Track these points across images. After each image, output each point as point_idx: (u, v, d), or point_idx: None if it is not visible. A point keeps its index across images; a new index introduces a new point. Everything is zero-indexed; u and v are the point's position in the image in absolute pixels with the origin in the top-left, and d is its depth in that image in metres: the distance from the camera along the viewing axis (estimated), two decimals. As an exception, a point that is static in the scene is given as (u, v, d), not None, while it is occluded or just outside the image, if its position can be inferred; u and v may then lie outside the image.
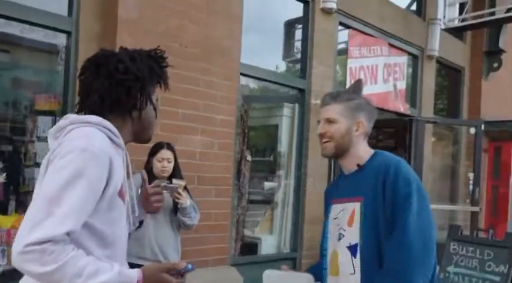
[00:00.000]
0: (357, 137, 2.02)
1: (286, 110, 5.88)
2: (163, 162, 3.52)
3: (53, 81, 4.20)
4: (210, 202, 4.48)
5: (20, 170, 4.11)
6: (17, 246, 1.31)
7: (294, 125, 5.85)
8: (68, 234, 1.35)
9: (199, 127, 4.41)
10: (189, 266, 1.57)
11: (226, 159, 4.65)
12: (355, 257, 1.92)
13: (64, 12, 3.95)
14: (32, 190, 3.98)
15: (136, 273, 1.50)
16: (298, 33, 6.03)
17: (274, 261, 5.20)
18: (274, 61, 6.03)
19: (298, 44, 6.04)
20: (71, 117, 1.56)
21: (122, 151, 1.63)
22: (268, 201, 5.88)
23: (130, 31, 3.95)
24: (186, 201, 3.47)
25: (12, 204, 3.90)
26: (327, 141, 2.03)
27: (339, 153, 2.04)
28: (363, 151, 2.05)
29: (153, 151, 3.58)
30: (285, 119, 5.86)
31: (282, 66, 6.33)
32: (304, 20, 5.90)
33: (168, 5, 4.21)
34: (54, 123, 3.91)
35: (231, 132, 4.75)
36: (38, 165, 4.04)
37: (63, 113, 3.88)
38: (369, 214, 1.91)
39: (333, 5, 5.84)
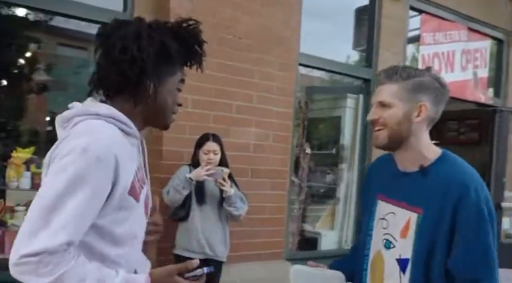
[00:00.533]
0: (418, 124, 1.66)
1: (350, 101, 5.66)
2: (209, 154, 3.51)
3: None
4: (265, 195, 4.42)
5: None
6: (13, 256, 1.23)
7: (357, 116, 5.63)
8: (68, 243, 1.25)
9: (254, 119, 4.35)
10: (205, 269, 1.44)
11: (283, 151, 4.56)
12: (403, 273, 1.69)
13: (119, 7, 4.03)
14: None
15: (143, 278, 1.36)
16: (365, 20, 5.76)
17: (334, 257, 5.00)
18: (340, 50, 5.82)
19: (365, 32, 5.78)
20: (76, 106, 1.43)
21: (136, 140, 1.49)
22: (330, 195, 5.71)
23: (183, 23, 3.95)
24: (230, 189, 3.44)
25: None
26: (379, 129, 1.69)
27: (394, 144, 1.69)
28: (426, 147, 1.70)
29: (199, 143, 3.58)
30: (349, 110, 5.65)
31: (349, 56, 6.10)
32: (371, 6, 5.61)
33: (220, -4, 4.17)
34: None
35: (288, 124, 4.64)
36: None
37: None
38: (427, 230, 1.63)
39: (403, -11, 5.53)
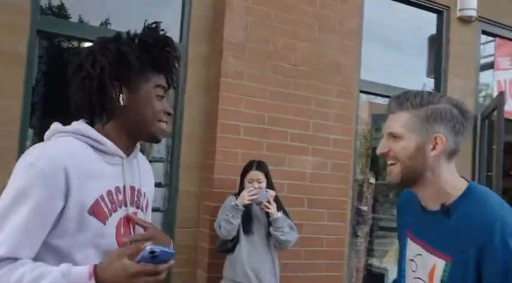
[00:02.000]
0: (434, 159, 1.45)
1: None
2: (253, 183, 3.44)
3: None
4: (322, 226, 4.25)
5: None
6: None
7: (427, 145, 5.32)
8: (7, 258, 1.23)
9: (310, 147, 4.24)
10: (153, 248, 1.23)
11: (342, 181, 4.39)
12: None
13: (176, 38, 4.16)
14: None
15: (86, 268, 1.25)
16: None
17: (402, 295, 4.72)
18: (414, 78, 5.60)
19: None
20: (53, 126, 1.46)
21: (119, 158, 1.44)
22: (398, 228, 5.39)
23: (237, 52, 3.99)
24: (276, 212, 3.35)
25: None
26: (392, 164, 1.50)
27: (409, 181, 1.50)
28: (447, 183, 1.48)
29: (244, 172, 3.54)
30: (418, 138, 5.36)
31: (426, 84, 5.83)
32: (439, 31, 5.41)
33: (275, 24, 4.17)
34: (167, 144, 4.13)
35: (347, 152, 4.48)
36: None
37: (175, 133, 4.05)
38: (457, 278, 1.42)
39: (473, 13, 5.27)
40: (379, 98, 5.43)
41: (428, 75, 5.88)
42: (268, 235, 3.45)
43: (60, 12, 4.23)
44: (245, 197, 3.35)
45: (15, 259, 1.24)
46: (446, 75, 5.30)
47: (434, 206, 1.51)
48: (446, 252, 1.45)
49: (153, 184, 1.69)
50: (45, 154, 1.30)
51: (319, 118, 4.30)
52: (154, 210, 4.17)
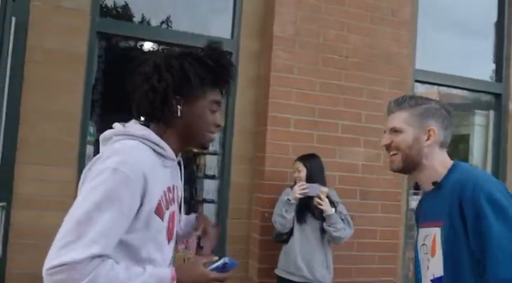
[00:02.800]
0: (428, 147, 1.76)
1: (479, 118, 5.20)
2: (294, 173, 3.61)
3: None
4: (376, 218, 4.23)
5: (192, 181, 4.54)
6: (46, 266, 1.32)
7: (488, 134, 5.15)
8: (99, 256, 1.34)
9: (362, 138, 4.22)
10: (226, 259, 1.54)
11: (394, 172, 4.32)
12: None
13: (227, 35, 4.26)
14: (202, 200, 4.35)
15: (169, 271, 1.47)
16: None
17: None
18: (481, 66, 5.40)
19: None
20: (116, 127, 1.59)
21: (171, 162, 1.60)
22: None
23: (286, 46, 4.03)
24: (329, 208, 3.39)
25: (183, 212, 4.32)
26: (394, 154, 1.81)
27: (409, 167, 1.79)
28: (439, 165, 1.77)
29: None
30: (478, 128, 5.20)
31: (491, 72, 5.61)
32: (500, 17, 5.18)
33: (325, 17, 4.16)
34: (220, 137, 4.25)
35: (402, 143, 4.40)
36: (207, 176, 4.41)
37: (227, 127, 4.16)
38: (450, 242, 1.64)
39: (538, -6, 5.01)
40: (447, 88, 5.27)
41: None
42: (322, 228, 3.48)
43: (118, 14, 4.45)
44: (296, 191, 3.42)
45: (103, 256, 1.36)
46: (509, 62, 5.08)
47: (430, 186, 1.80)
48: (440, 219, 1.69)
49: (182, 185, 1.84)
50: (128, 160, 1.42)
51: (372, 109, 4.27)
52: (208, 201, 4.35)
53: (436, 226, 1.70)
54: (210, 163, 4.33)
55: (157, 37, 4.14)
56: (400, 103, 1.81)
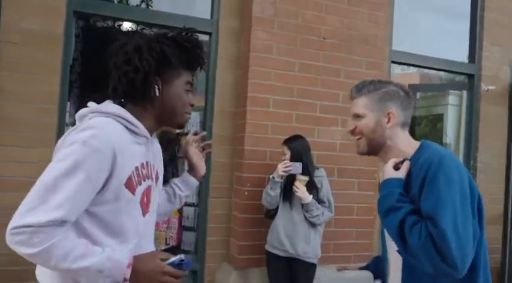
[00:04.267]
0: (391, 129, 1.83)
1: (453, 97, 5.34)
2: (282, 156, 3.66)
3: (199, 78, 4.55)
4: (352, 195, 4.34)
5: (173, 161, 4.56)
6: (10, 226, 1.39)
7: (461, 114, 5.29)
8: (60, 221, 1.40)
9: (340, 118, 4.30)
10: (182, 256, 1.56)
11: (372, 151, 4.43)
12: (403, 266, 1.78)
13: (207, 15, 4.27)
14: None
15: (127, 257, 1.50)
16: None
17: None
18: (453, 47, 5.51)
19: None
20: (91, 105, 1.64)
21: (145, 139, 1.66)
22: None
23: (266, 27, 4.06)
24: (305, 196, 3.48)
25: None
26: (359, 138, 1.88)
27: (374, 149, 1.86)
28: (404, 145, 1.83)
29: None
30: (451, 108, 5.33)
31: (452, 51, 5.73)
32: (473, -1, 5.31)
33: (303, -2, 4.21)
34: (200, 118, 4.27)
35: (378, 123, 4.50)
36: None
37: (207, 107, 4.20)
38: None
39: (510, -24, 5.11)
40: (420, 68, 5.38)
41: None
42: None
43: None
44: (279, 169, 3.51)
45: (66, 222, 1.42)
46: (482, 43, 5.20)
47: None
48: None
49: (161, 159, 1.88)
50: (98, 134, 1.48)
51: (349, 90, 4.32)
52: (189, 181, 4.37)
53: None
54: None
55: (136, 17, 4.13)
56: (360, 89, 1.87)
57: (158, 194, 1.83)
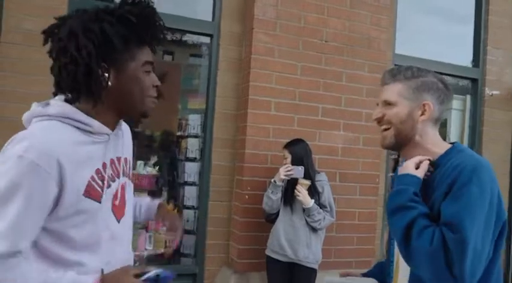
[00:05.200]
0: (422, 123, 1.64)
1: (456, 102, 5.29)
2: (284, 160, 3.62)
3: (200, 81, 4.53)
4: (354, 200, 4.30)
5: (173, 164, 4.54)
6: None
7: (465, 118, 5.25)
8: (9, 253, 1.22)
9: (342, 122, 4.27)
10: (158, 271, 1.39)
11: (374, 155, 4.40)
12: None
13: (209, 17, 4.25)
14: (184, 183, 4.34)
15: (91, 280, 1.31)
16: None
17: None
18: (459, 51, 5.48)
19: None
20: (33, 107, 1.41)
21: (105, 135, 1.43)
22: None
23: (267, 29, 4.04)
24: (307, 201, 3.45)
25: (164, 195, 4.34)
26: (386, 129, 1.67)
27: (400, 143, 1.67)
28: (432, 143, 1.66)
29: None
30: (455, 112, 5.29)
31: (455, 55, 5.69)
32: (477, 2, 5.27)
33: (305, 1, 4.17)
34: (201, 120, 4.25)
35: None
36: (188, 159, 4.41)
37: (208, 110, 4.17)
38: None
39: (514, -20, 5.09)
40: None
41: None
42: None
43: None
44: (281, 173, 3.48)
45: (17, 252, 1.23)
46: (485, 47, 5.17)
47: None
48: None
49: (132, 148, 1.66)
50: (35, 145, 1.25)
51: (351, 93, 4.31)
52: (189, 184, 4.37)
53: None
54: (191, 146, 4.34)
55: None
56: (395, 74, 1.68)
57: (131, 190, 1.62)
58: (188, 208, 4.32)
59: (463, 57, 5.36)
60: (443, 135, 5.41)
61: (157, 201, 1.88)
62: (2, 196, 1.22)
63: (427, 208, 1.52)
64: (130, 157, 1.61)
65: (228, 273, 3.99)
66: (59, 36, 1.36)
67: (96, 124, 1.38)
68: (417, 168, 1.59)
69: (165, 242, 4.15)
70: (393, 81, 1.67)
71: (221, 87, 4.17)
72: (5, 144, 1.31)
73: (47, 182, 1.25)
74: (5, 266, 1.21)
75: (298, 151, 3.58)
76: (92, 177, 1.36)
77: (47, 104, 1.40)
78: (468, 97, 5.24)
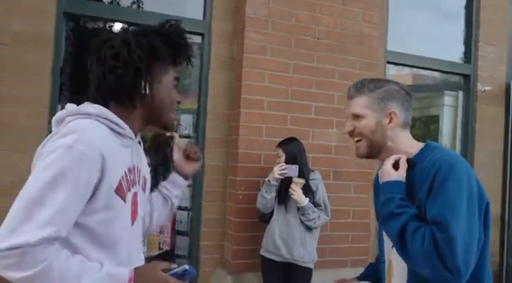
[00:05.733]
0: (391, 130, 1.74)
1: (448, 98, 5.30)
2: (277, 158, 3.59)
3: (191, 80, 4.48)
4: (348, 198, 4.28)
5: (167, 166, 4.50)
6: None
7: (457, 114, 5.25)
8: (51, 238, 1.27)
9: (335, 120, 4.25)
10: (186, 266, 1.46)
11: (367, 153, 4.37)
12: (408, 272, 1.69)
13: (199, 16, 4.21)
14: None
15: (127, 272, 1.39)
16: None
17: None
18: (450, 47, 5.47)
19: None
20: (69, 107, 1.47)
21: (130, 141, 1.54)
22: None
23: (259, 27, 4.00)
24: (301, 200, 3.42)
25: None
26: (358, 140, 1.78)
27: (374, 152, 1.77)
28: (407, 146, 1.75)
29: None
30: (447, 108, 5.29)
31: (463, 53, 5.68)
32: (469, -2, 5.27)
33: (297, -2, 4.15)
34: (193, 120, 4.21)
35: (373, 124, 4.45)
36: (180, 160, 4.36)
37: (200, 109, 4.13)
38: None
39: (505, -24, 5.08)
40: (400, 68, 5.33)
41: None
42: None
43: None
44: (275, 172, 3.45)
45: (58, 238, 1.29)
46: (477, 43, 5.17)
47: None
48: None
49: (147, 167, 1.77)
50: (83, 137, 1.33)
51: (344, 91, 4.22)
52: (182, 185, 4.31)
53: None
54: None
55: (127, 18, 4.05)
56: (360, 88, 1.77)
57: (146, 201, 1.73)
58: (181, 209, 4.28)
59: (455, 53, 5.36)
60: (436, 132, 5.43)
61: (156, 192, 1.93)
62: (51, 183, 1.28)
63: (415, 209, 1.59)
64: (144, 170, 1.70)
65: (223, 274, 3.96)
66: (111, 44, 1.49)
67: (126, 127, 1.50)
68: (396, 166, 1.68)
69: (159, 244, 4.11)
70: (359, 95, 1.77)
71: (213, 86, 4.13)
72: (47, 138, 1.39)
73: (93, 172, 1.34)
74: (48, 250, 1.26)
75: (292, 149, 3.55)
76: (122, 177, 1.45)
77: (81, 106, 1.49)
78: (460, 93, 5.24)
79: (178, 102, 1.62)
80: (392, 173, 1.66)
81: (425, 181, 1.58)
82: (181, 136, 4.36)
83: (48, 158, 1.31)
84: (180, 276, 1.45)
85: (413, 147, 1.74)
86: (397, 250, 1.60)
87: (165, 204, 1.91)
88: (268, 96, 4.00)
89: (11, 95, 3.48)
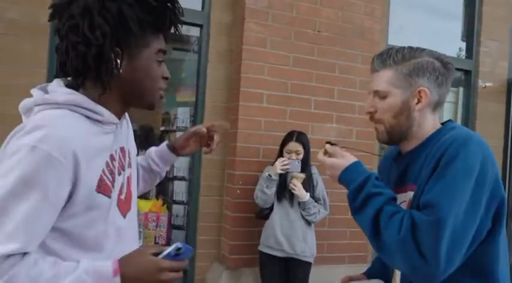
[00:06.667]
0: (420, 112, 1.46)
1: (449, 94, 5.23)
2: (292, 155, 3.47)
3: (189, 72, 4.42)
4: (346, 194, 4.22)
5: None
6: None
7: (458, 111, 5.20)
8: (19, 253, 1.11)
9: (334, 114, 4.19)
10: (179, 244, 1.24)
11: (367, 148, 4.31)
12: None
13: (198, 7, 4.13)
14: (173, 178, 4.25)
15: (110, 264, 1.20)
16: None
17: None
18: (449, 43, 5.42)
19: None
20: (36, 94, 1.27)
21: (112, 126, 1.32)
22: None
23: (259, 19, 3.93)
24: (303, 195, 3.36)
25: (153, 190, 4.23)
26: (378, 123, 1.52)
27: (396, 138, 1.51)
28: (430, 128, 1.49)
29: (283, 142, 3.57)
30: (447, 105, 5.25)
31: (461, 48, 5.64)
32: (472, -9, 5.21)
33: (298, -11, 4.08)
34: (191, 113, 4.14)
35: (373, 119, 4.40)
36: (177, 153, 4.31)
37: (198, 102, 4.06)
38: (417, 197, 1.39)
39: (508, -29, 5.03)
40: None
41: (463, 39, 5.69)
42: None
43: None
44: (277, 167, 3.38)
45: (25, 253, 1.13)
46: (479, 38, 5.11)
47: (411, 147, 1.52)
48: (411, 182, 1.46)
49: (134, 139, 1.58)
50: (51, 135, 1.13)
51: (344, 85, 4.23)
52: (179, 179, 4.27)
53: (410, 190, 1.46)
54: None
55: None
56: (385, 59, 1.48)
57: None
58: (178, 203, 4.23)
59: (456, 48, 5.31)
60: (436, 128, 5.39)
61: (162, 145, 1.76)
62: (12, 192, 1.10)
63: (391, 191, 1.42)
64: (134, 146, 1.53)
65: (220, 269, 3.91)
66: (70, 12, 1.22)
67: (106, 113, 1.28)
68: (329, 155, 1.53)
69: (155, 238, 4.06)
70: (383, 68, 1.48)
71: (211, 79, 4.06)
72: (10, 134, 1.19)
73: (63, 176, 1.14)
74: (12, 261, 1.10)
75: (307, 143, 3.52)
76: (103, 171, 1.26)
77: (44, 89, 1.29)
78: (461, 89, 5.20)
79: (166, 78, 1.37)
80: (345, 158, 1.49)
81: (430, 161, 1.37)
82: (178, 129, 4.31)
83: (10, 160, 1.12)
84: (174, 256, 1.24)
85: (434, 127, 1.49)
86: (370, 242, 1.41)
87: (151, 177, 1.76)
88: (268, 90, 3.93)
89: (5, 85, 3.40)
